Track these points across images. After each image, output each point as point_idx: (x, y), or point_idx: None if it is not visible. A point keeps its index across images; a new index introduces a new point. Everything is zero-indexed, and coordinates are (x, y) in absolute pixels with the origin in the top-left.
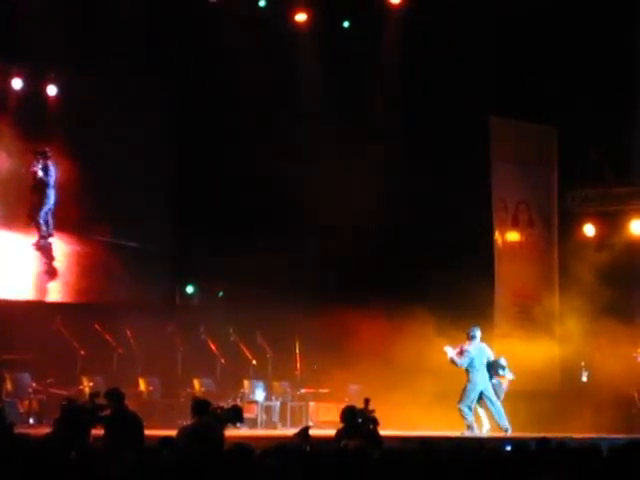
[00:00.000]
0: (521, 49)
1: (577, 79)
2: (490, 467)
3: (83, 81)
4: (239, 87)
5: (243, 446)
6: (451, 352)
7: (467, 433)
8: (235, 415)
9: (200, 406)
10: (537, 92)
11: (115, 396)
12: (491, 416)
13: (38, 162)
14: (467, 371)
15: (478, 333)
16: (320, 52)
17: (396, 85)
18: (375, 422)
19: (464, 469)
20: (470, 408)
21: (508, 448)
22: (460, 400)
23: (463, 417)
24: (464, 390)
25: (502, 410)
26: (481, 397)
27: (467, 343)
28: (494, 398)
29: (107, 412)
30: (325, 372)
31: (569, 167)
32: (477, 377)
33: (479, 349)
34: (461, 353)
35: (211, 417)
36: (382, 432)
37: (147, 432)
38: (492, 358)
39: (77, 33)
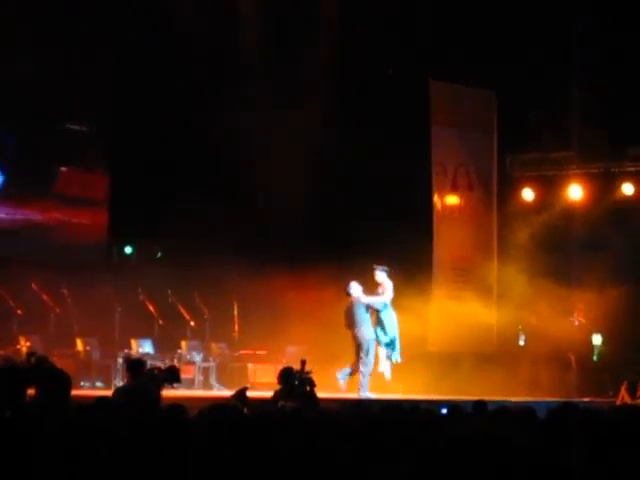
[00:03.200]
0: (459, 11)
1: (515, 42)
2: (425, 429)
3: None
4: (179, 40)
5: (177, 406)
6: (365, 299)
7: None
8: (171, 375)
9: (135, 366)
10: (475, 56)
11: (41, 362)
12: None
13: None
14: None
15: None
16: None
17: (335, 46)
18: (312, 384)
19: (399, 430)
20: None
21: (444, 411)
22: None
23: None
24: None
25: None
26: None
27: (379, 276)
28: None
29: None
30: (263, 333)
31: (508, 131)
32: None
33: None
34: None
35: (147, 377)
36: (319, 394)
37: (83, 392)
38: None
39: None
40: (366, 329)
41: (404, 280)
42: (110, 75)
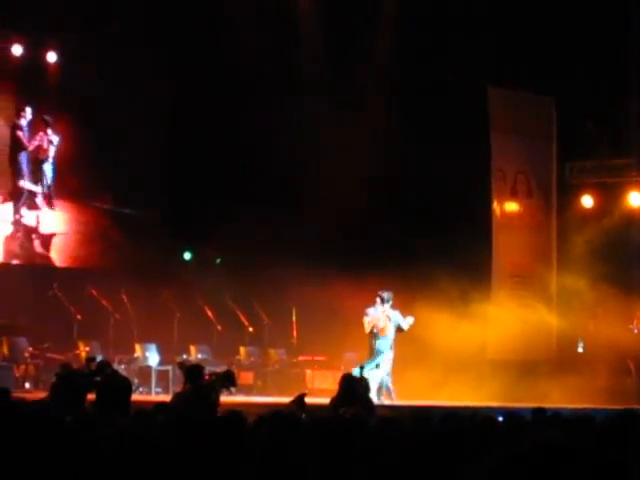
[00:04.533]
0: (519, 18)
1: (575, 50)
2: (484, 435)
3: (83, 49)
4: (234, 55)
5: (236, 412)
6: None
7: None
8: (228, 380)
9: (194, 372)
10: (535, 63)
11: (104, 367)
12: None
13: (40, 131)
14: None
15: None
16: (317, 19)
17: (394, 53)
18: (368, 389)
19: (458, 437)
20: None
21: (500, 418)
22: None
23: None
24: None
25: None
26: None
27: (385, 307)
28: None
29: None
30: (321, 340)
31: (567, 138)
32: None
33: None
34: (389, 319)
35: (205, 383)
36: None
37: (142, 398)
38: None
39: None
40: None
41: (463, 288)
42: (167, 86)
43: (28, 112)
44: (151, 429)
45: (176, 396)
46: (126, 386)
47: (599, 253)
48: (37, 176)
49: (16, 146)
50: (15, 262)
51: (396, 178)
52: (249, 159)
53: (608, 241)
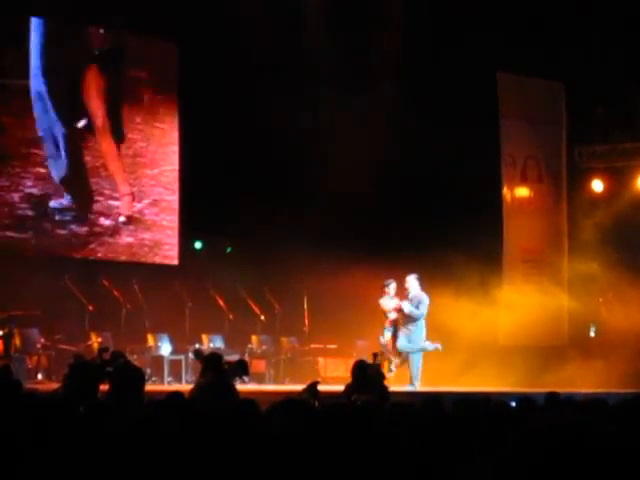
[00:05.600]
0: (529, 3)
1: (583, 33)
2: (497, 420)
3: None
4: (246, 41)
5: (249, 401)
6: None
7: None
8: (241, 369)
9: (214, 360)
10: (543, 48)
11: (117, 357)
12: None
13: None
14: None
15: None
16: (324, 7)
17: (401, 40)
18: (382, 377)
19: (473, 422)
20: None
21: (513, 403)
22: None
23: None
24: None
25: None
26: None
27: (409, 290)
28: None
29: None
30: (333, 327)
31: (577, 123)
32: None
33: None
34: (411, 301)
35: (225, 370)
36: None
37: (155, 388)
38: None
39: None
40: None
41: (475, 274)
42: (176, 75)
43: None
44: (165, 418)
45: (198, 386)
46: (139, 376)
47: (610, 237)
48: None
49: None
50: (27, 253)
51: (403, 166)
52: (256, 150)
53: (619, 225)
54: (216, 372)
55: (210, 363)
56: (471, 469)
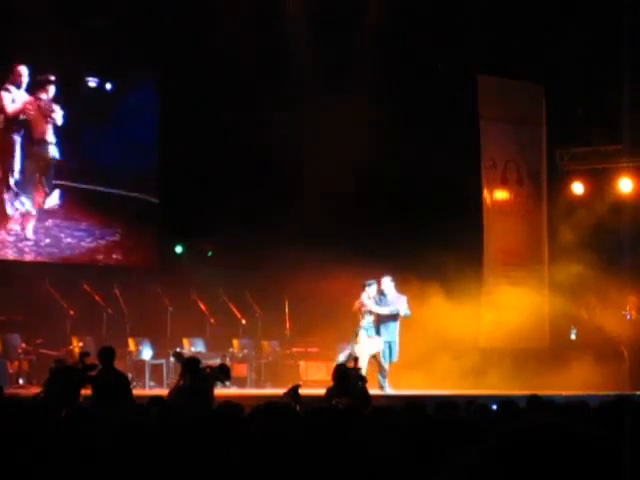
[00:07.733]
0: (508, 4)
1: (563, 35)
2: (480, 423)
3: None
4: (227, 41)
5: (232, 404)
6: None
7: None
8: (223, 373)
9: (193, 365)
10: (523, 50)
11: (108, 354)
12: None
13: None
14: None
15: None
16: (306, 11)
17: (383, 42)
18: (364, 380)
19: (453, 425)
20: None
21: (494, 407)
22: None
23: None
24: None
25: None
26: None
27: (385, 291)
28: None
29: (94, 372)
30: (314, 331)
31: (557, 125)
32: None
33: None
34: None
35: (201, 376)
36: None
37: (137, 392)
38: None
39: None
40: None
41: (457, 276)
42: (159, 77)
43: None
44: (147, 422)
45: (175, 388)
46: (125, 380)
47: (590, 240)
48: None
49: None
50: (6, 258)
51: (383, 169)
52: (238, 154)
53: (599, 227)
54: (194, 376)
55: (189, 366)
56: (448, 471)
